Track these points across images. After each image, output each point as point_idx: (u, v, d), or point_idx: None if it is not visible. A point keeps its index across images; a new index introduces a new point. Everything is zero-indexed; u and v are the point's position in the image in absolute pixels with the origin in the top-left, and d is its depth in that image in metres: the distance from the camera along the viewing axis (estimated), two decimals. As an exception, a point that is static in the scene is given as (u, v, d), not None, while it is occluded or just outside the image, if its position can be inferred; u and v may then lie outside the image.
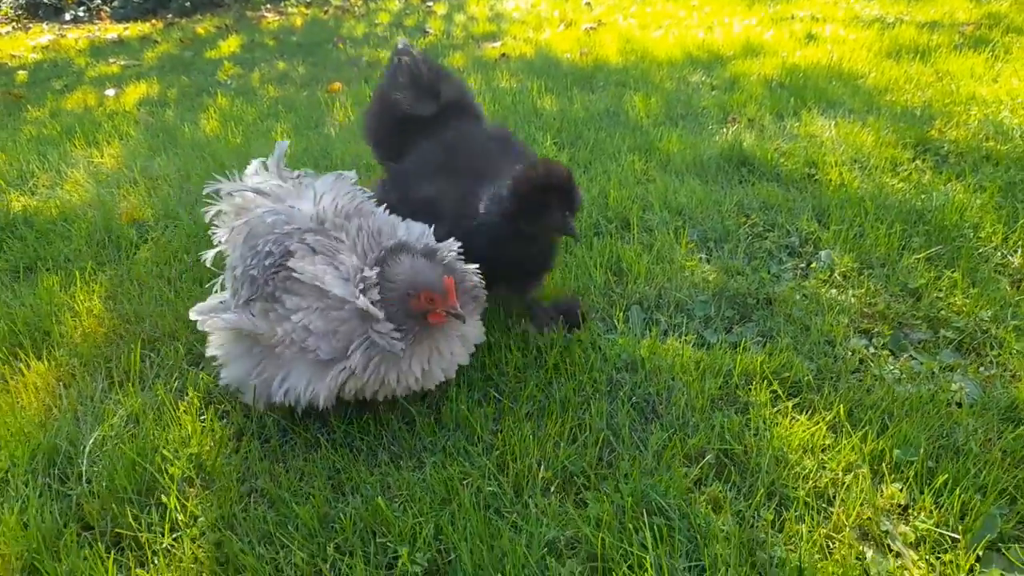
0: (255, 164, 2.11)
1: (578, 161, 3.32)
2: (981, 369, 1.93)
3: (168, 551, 1.57)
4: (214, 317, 1.82)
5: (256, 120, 4.56)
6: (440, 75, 2.30)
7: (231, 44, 7.49)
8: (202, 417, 1.93)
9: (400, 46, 2.35)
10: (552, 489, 1.66)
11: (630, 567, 1.45)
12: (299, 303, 1.69)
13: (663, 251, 2.53)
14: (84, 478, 1.78)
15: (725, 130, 3.62)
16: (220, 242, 2.02)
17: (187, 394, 2.01)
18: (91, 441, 1.88)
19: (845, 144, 3.31)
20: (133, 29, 9.28)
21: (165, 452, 1.80)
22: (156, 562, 1.55)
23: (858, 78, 4.25)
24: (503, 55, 5.54)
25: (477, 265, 1.81)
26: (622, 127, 3.73)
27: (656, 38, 5.72)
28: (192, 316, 1.91)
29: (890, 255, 2.40)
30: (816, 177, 3.02)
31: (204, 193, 2.04)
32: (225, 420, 1.94)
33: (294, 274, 1.70)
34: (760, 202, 2.83)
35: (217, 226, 2.05)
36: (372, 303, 1.63)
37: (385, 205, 1.96)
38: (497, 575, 1.46)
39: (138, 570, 1.54)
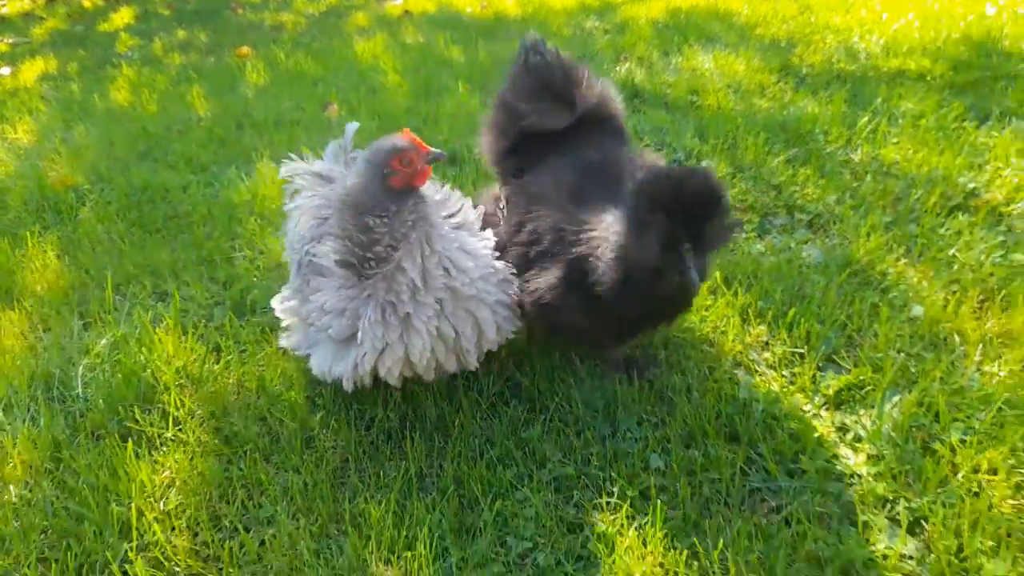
0: (332, 146, 2.09)
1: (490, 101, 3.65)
2: (826, 240, 2.41)
3: (175, 439, 1.85)
4: (278, 300, 1.92)
5: (168, 87, 4.63)
6: (577, 78, 1.92)
7: (124, 16, 7.33)
8: (182, 338, 2.19)
9: (529, 41, 1.93)
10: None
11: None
12: (319, 284, 1.71)
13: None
14: (82, 396, 2.02)
15: (619, 68, 4.01)
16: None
17: (163, 321, 2.26)
18: (83, 365, 2.11)
19: (722, 73, 3.76)
20: (12, 6, 8.85)
21: (157, 364, 2.06)
22: (165, 448, 1.83)
23: (733, 16, 4.72)
24: (406, 11, 5.74)
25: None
26: (526, 71, 4.07)
27: (552, -12, 6.06)
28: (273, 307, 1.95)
29: (757, 159, 2.86)
30: (697, 103, 3.46)
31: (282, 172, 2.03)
32: (203, 340, 2.20)
33: (314, 258, 1.73)
34: (651, 126, 3.24)
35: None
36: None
37: (497, 229, 1.77)
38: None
39: (152, 452, 1.82)
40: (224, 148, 3.51)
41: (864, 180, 2.66)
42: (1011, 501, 1.50)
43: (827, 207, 2.56)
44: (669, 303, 1.63)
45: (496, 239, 1.76)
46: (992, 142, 2.78)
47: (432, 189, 1.72)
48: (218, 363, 2.09)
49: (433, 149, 1.57)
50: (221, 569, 1.53)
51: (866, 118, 3.01)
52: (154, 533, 1.59)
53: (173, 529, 1.62)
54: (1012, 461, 1.57)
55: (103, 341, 2.21)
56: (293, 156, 2.05)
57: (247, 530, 1.60)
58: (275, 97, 4.12)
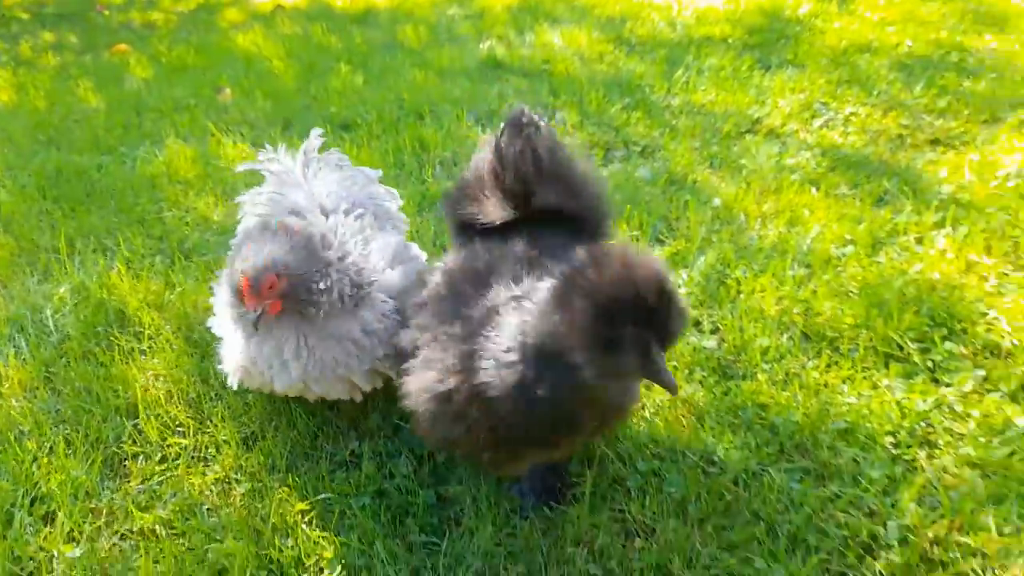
0: (304, 147, 2.11)
1: (370, 78, 4.14)
2: (653, 163, 3.11)
3: (150, 348, 2.26)
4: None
5: (51, 85, 4.76)
6: (553, 170, 1.62)
7: (-26, 21, 7.12)
8: (135, 279, 2.56)
9: (524, 118, 1.61)
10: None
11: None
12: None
13: (451, 129, 3.46)
14: (56, 330, 2.37)
15: (481, 46, 4.61)
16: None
17: (116, 267, 2.62)
18: (49, 308, 2.45)
19: (568, 45, 4.44)
20: None
21: (121, 296, 2.44)
22: (144, 356, 2.24)
23: (575, -1, 5.44)
24: (278, 6, 6.07)
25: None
26: (402, 52, 4.59)
27: (413, -19, 6.57)
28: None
29: (599, 109, 3.54)
30: (549, 69, 4.12)
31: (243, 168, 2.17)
32: (157, 278, 2.59)
33: None
34: (513, 89, 3.86)
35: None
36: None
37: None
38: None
39: (132, 362, 2.22)
40: (128, 132, 3.80)
41: (680, 118, 3.40)
42: (775, 307, 2.22)
43: (653, 140, 3.27)
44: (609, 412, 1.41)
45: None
46: (772, 84, 3.61)
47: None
48: (173, 293, 2.50)
49: (250, 309, 1.53)
50: (215, 424, 1.98)
51: (680, 72, 3.77)
52: (155, 407, 2.02)
53: (171, 398, 2.06)
54: (775, 283, 2.30)
55: (63, 288, 2.54)
56: (268, 146, 2.14)
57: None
58: (166, 86, 4.40)
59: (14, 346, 2.31)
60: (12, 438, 1.97)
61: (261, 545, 1.66)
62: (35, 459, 1.91)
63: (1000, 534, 1.55)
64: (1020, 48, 3.76)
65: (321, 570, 1.61)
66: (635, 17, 4.82)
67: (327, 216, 1.88)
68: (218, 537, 1.69)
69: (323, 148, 2.19)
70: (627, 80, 3.80)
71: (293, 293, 1.57)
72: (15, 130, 3.95)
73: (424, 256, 2.06)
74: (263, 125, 3.72)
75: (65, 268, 2.65)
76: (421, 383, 1.41)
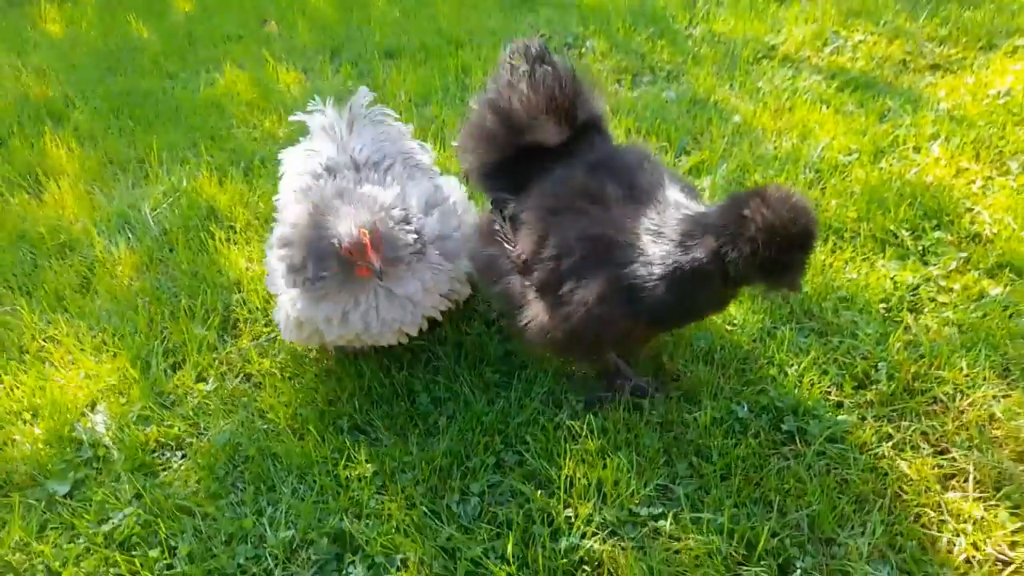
0: (352, 102, 2.16)
1: (407, 10, 4.38)
2: (679, 86, 3.40)
3: (244, 238, 2.60)
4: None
5: (100, 17, 5.00)
6: (581, 89, 1.81)
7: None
8: (222, 181, 2.89)
9: (536, 48, 1.77)
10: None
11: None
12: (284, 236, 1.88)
13: (490, 56, 3.73)
14: (156, 226, 2.71)
15: (510, -19, 4.83)
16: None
17: (201, 173, 2.95)
18: (147, 207, 2.78)
19: (593, -20, 4.66)
20: None
21: (212, 195, 2.77)
22: (236, 244, 2.58)
23: (597, -64, 5.61)
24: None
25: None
26: (433, -14, 4.82)
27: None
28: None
29: (627, 37, 3.80)
30: (575, 2, 4.35)
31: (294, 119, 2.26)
32: (238, 183, 2.91)
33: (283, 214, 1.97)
34: (543, 19, 4.11)
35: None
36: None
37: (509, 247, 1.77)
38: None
39: (231, 243, 2.56)
40: (185, 60, 4.07)
41: (701, 45, 3.67)
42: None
43: (677, 65, 3.55)
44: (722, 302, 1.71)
45: (516, 259, 1.76)
46: (787, 15, 3.86)
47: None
48: (255, 195, 2.82)
49: (375, 263, 1.65)
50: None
51: (702, 3, 4.02)
52: (256, 282, 2.37)
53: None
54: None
55: (157, 190, 2.87)
56: (316, 98, 2.23)
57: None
58: (211, 18, 4.65)
59: (123, 237, 2.65)
60: (137, 306, 2.32)
61: (362, 382, 2.02)
62: (151, 321, 2.27)
63: (969, 370, 1.90)
64: (1021, -19, 3.99)
65: (413, 400, 1.98)
66: (656, -46, 5.02)
67: (358, 169, 1.99)
68: (326, 378, 2.05)
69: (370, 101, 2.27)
70: (651, 11, 4.05)
71: (382, 246, 1.69)
72: (76, 58, 4.23)
73: (462, 190, 2.18)
74: (311, 53, 3.99)
75: (156, 174, 2.98)
76: (591, 293, 1.60)
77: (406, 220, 1.80)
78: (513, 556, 1.60)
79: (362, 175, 1.96)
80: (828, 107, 3.04)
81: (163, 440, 1.95)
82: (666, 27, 3.86)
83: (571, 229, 1.65)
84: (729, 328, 2.10)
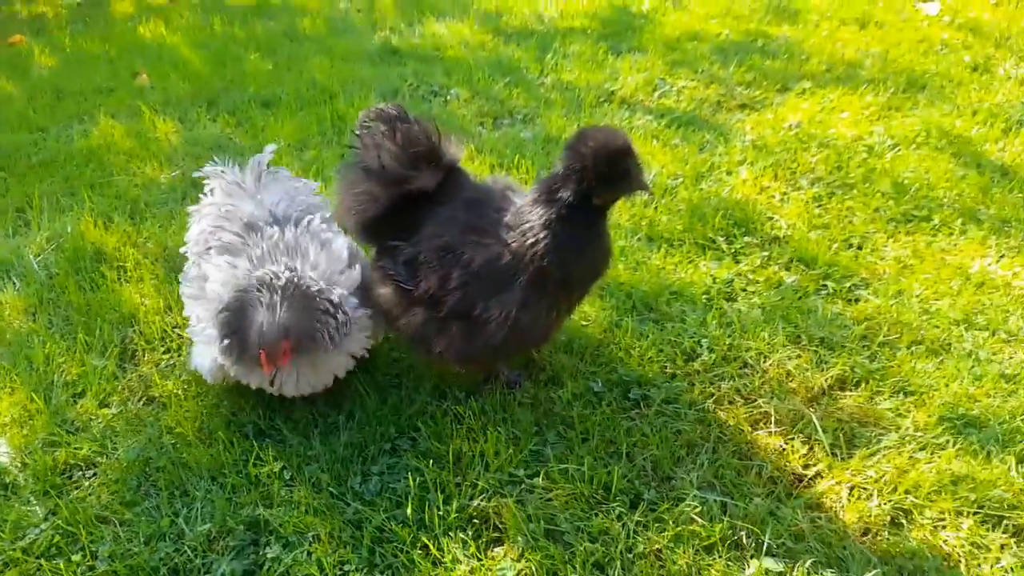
0: (252, 161, 2.28)
1: (280, 64, 4.64)
2: (534, 127, 3.85)
3: (135, 276, 2.73)
4: (183, 281, 2.18)
5: (-49, 74, 4.88)
6: (439, 137, 2.03)
7: None
8: (105, 230, 2.99)
9: (395, 110, 2.02)
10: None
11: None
12: (198, 292, 2.03)
13: (362, 104, 4.05)
14: (41, 271, 2.78)
15: (375, 36, 5.19)
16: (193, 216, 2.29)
17: (84, 218, 3.04)
18: (31, 252, 2.85)
19: (454, 35, 5.11)
20: None
21: (95, 241, 2.88)
22: (129, 281, 2.71)
23: (455, -5, 6.11)
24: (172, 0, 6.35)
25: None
26: (304, 41, 5.09)
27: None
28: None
29: (486, 86, 4.25)
30: (440, 55, 4.78)
31: (198, 175, 2.33)
32: (128, 219, 3.02)
33: (201, 269, 2.04)
34: (411, 72, 4.49)
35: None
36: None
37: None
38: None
39: (123, 281, 2.68)
40: (55, 113, 4.10)
41: (552, 92, 4.17)
42: (628, 220, 3.00)
43: (532, 109, 4.02)
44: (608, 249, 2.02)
45: (421, 296, 1.94)
46: (622, 65, 4.46)
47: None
48: (142, 237, 2.96)
49: (268, 376, 1.86)
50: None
51: (550, 56, 4.56)
52: (151, 315, 2.52)
53: (169, 309, 2.56)
54: (628, 204, 3.08)
55: (39, 237, 2.94)
56: (216, 159, 2.32)
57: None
58: (77, 74, 4.68)
59: (8, 283, 2.71)
60: (33, 344, 2.41)
61: (264, 393, 2.23)
62: (48, 357, 2.37)
63: (769, 340, 2.38)
64: (805, 37, 4.82)
65: (313, 404, 2.21)
66: (509, 12, 5.56)
67: (279, 224, 2.06)
68: (230, 392, 2.24)
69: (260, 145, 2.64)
70: (507, 63, 4.53)
71: (303, 349, 1.85)
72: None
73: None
74: (187, 104, 4.15)
75: (36, 222, 3.04)
76: (511, 300, 1.89)
77: (335, 307, 1.89)
78: (412, 519, 1.86)
79: (283, 230, 2.03)
80: (658, 141, 3.58)
81: (72, 462, 2.06)
82: (520, 77, 4.35)
83: (470, 259, 1.90)
84: (584, 323, 2.49)
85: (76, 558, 1.79)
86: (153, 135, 3.77)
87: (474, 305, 1.91)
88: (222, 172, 2.25)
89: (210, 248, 2.06)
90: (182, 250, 2.27)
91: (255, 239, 2.01)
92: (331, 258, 2.01)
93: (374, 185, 2.02)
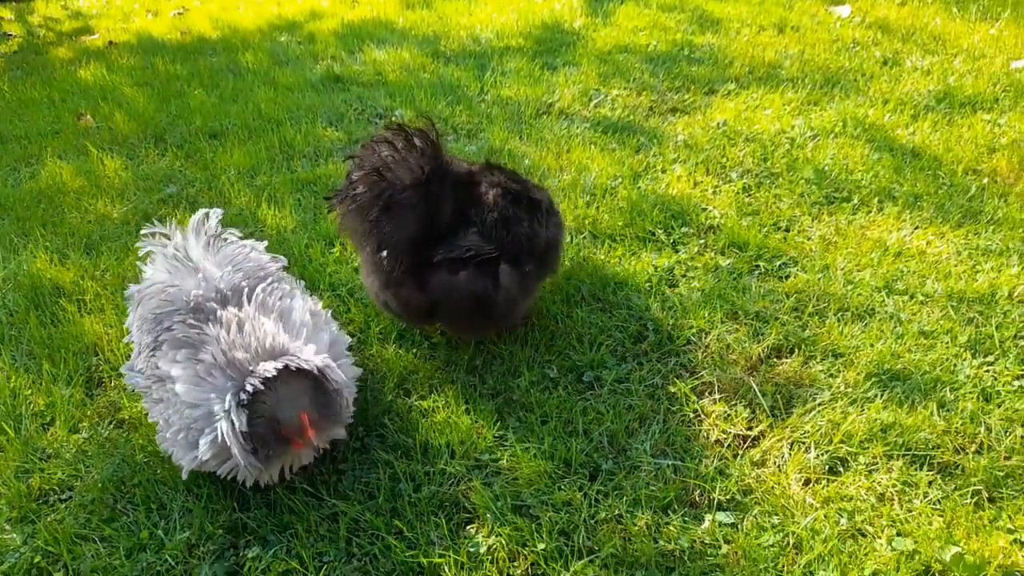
0: (193, 223, 2.13)
1: (225, 97, 4.71)
2: (479, 141, 4.00)
3: (95, 307, 2.77)
4: (131, 376, 2.03)
5: None
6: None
7: None
8: (60, 259, 3.02)
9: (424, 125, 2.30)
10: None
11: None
12: (161, 394, 1.86)
13: (308, 130, 4.15)
14: (2, 309, 2.81)
15: (318, 66, 5.31)
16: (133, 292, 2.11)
17: (38, 256, 3.06)
18: (-12, 292, 2.87)
19: (394, 61, 5.26)
20: None
21: (52, 277, 2.91)
22: (91, 312, 2.75)
23: (393, 24, 6.27)
24: (110, 42, 6.37)
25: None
26: (247, 74, 5.18)
27: (240, 13, 7.09)
28: (122, 370, 2.09)
29: (429, 105, 4.39)
30: (383, 79, 4.92)
31: (142, 236, 2.16)
32: (85, 254, 3.06)
33: (158, 368, 1.85)
34: (355, 96, 4.62)
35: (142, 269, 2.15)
36: (238, 428, 1.70)
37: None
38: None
39: (83, 313, 2.73)
40: (-1, 158, 4.11)
41: (493, 108, 4.34)
42: (572, 220, 3.16)
43: (475, 125, 4.18)
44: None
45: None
46: (558, 79, 4.66)
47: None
48: (99, 271, 3.00)
49: (314, 441, 1.82)
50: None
51: (489, 74, 4.74)
52: (115, 344, 2.57)
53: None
54: (572, 206, 3.24)
55: (-6, 277, 2.96)
56: (155, 223, 2.16)
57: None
58: (19, 119, 4.68)
59: (-33, 322, 2.73)
60: (-3, 378, 2.44)
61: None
62: (16, 392, 2.40)
63: (709, 317, 2.55)
64: (727, 43, 5.11)
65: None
66: (446, 36, 5.75)
67: (227, 302, 1.91)
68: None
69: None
70: (448, 83, 4.69)
71: (321, 425, 1.84)
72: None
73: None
74: (135, 141, 4.19)
75: (-9, 262, 3.06)
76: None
77: (330, 379, 1.83)
78: (385, 509, 1.96)
79: (238, 306, 1.90)
80: (596, 146, 3.77)
81: (47, 487, 2.10)
82: (462, 95, 4.51)
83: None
84: (539, 316, 2.63)
85: (59, 575, 1.84)
86: (102, 172, 3.81)
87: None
88: (162, 243, 2.10)
89: (161, 340, 1.88)
90: (125, 339, 2.17)
91: (209, 326, 1.84)
92: (297, 327, 1.92)
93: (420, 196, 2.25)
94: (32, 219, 3.41)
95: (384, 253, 2.25)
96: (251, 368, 1.75)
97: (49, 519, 2.00)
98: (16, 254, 3.16)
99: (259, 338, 1.79)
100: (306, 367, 1.76)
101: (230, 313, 1.85)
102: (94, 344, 2.58)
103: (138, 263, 2.21)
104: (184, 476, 1.94)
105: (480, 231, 2.27)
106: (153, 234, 2.13)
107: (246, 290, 1.95)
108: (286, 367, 1.75)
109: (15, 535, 1.96)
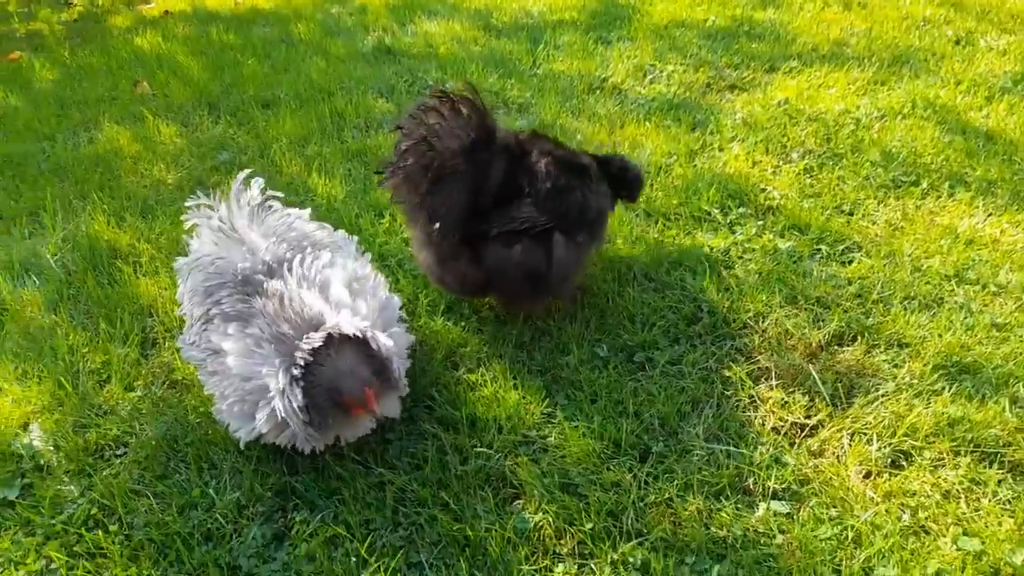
0: (234, 194, 2.12)
1: (277, 66, 4.73)
2: (530, 115, 3.93)
3: (152, 270, 2.81)
4: (187, 348, 2.02)
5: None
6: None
7: None
8: (120, 223, 3.08)
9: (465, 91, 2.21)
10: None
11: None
12: (215, 367, 1.86)
13: (358, 101, 4.14)
14: (60, 268, 2.87)
15: (369, 37, 5.28)
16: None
17: (97, 219, 3.12)
18: (47, 251, 2.93)
19: (446, 33, 5.21)
20: None
21: (110, 239, 2.96)
22: (146, 275, 2.79)
23: (445, -4, 6.20)
24: (166, 12, 6.44)
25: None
26: (299, 44, 5.18)
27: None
28: (178, 343, 2.11)
29: (480, 78, 4.34)
30: (434, 52, 4.87)
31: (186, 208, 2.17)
32: (140, 216, 3.11)
33: (211, 342, 1.86)
34: (406, 69, 4.58)
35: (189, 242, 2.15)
36: (295, 404, 1.69)
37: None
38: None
39: (139, 275, 2.77)
40: (59, 122, 4.18)
41: (545, 82, 4.26)
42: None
43: (526, 99, 4.11)
44: None
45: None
46: (612, 54, 4.55)
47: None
48: (154, 233, 3.04)
49: (377, 412, 1.79)
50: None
51: (541, 48, 4.65)
52: (169, 305, 2.60)
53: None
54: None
55: (56, 237, 3.02)
56: (199, 194, 2.15)
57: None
58: (79, 86, 4.77)
59: (29, 281, 2.79)
60: (56, 336, 2.49)
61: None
62: (74, 349, 2.44)
63: (767, 302, 2.47)
64: (790, 19, 4.92)
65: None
66: (498, 8, 5.66)
67: (272, 274, 1.90)
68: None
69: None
70: (499, 56, 4.62)
71: (381, 393, 1.82)
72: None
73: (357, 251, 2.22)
74: (189, 108, 4.23)
75: (51, 224, 3.12)
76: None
77: (381, 347, 1.80)
78: (432, 480, 1.95)
79: (284, 278, 1.88)
80: (650, 123, 3.67)
81: (103, 442, 2.14)
82: (513, 69, 4.44)
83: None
84: (589, 294, 2.57)
85: (114, 528, 1.87)
86: (158, 139, 3.86)
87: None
88: (208, 214, 2.09)
89: (212, 314, 1.89)
90: (178, 311, 2.21)
91: (258, 297, 1.85)
92: (336, 297, 1.89)
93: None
94: (90, 182, 3.47)
95: (436, 226, 2.21)
96: (296, 341, 1.73)
97: (104, 473, 2.03)
98: (75, 216, 3.22)
99: (298, 311, 1.78)
100: (348, 333, 1.74)
101: (274, 285, 1.84)
102: (149, 306, 2.62)
103: (184, 236, 2.21)
104: (242, 446, 1.95)
105: (534, 202, 2.22)
106: (198, 206, 2.12)
107: (289, 261, 1.94)
108: (330, 336, 1.73)
109: (72, 487, 2.00)
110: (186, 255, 2.11)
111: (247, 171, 2.18)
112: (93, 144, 3.86)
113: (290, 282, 1.87)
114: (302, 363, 1.71)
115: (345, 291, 1.90)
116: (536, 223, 2.20)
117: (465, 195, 2.20)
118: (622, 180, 2.50)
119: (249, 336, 1.78)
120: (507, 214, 2.22)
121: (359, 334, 1.75)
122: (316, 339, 1.72)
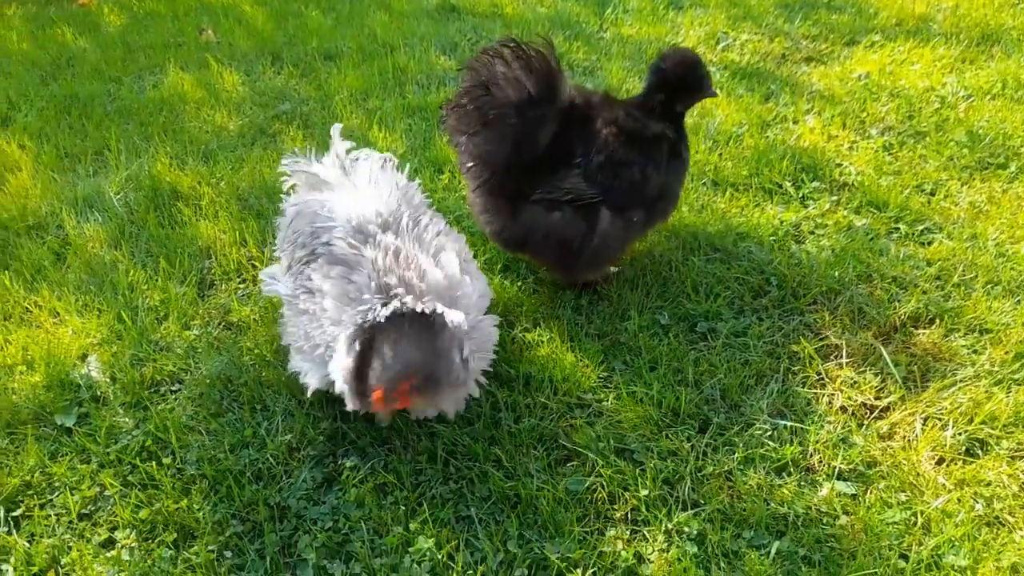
0: (336, 139, 2.11)
1: (341, 19, 4.69)
2: (596, 79, 3.83)
3: (211, 213, 2.82)
4: (270, 282, 2.03)
5: (30, 31, 5.05)
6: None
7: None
8: (179, 171, 3.09)
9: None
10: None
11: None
12: (308, 306, 1.80)
13: (422, 58, 4.08)
14: (121, 206, 2.90)
15: (435, -5, 5.21)
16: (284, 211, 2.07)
17: (159, 160, 3.14)
18: (111, 190, 2.96)
19: (511, -7, 5.10)
20: None
21: (171, 180, 2.98)
22: (206, 218, 2.80)
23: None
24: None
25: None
26: (362, -1, 5.15)
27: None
28: (260, 276, 2.13)
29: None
30: (499, 11, 4.77)
31: (282, 165, 2.16)
32: (203, 161, 3.12)
33: (311, 280, 1.80)
34: (470, 27, 4.50)
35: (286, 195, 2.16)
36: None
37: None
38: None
39: (199, 218, 2.78)
40: (125, 66, 4.23)
41: (612, 46, 4.14)
42: (693, 167, 2.98)
43: (592, 62, 3.99)
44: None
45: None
46: (683, 20, 4.39)
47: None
48: (215, 178, 3.05)
49: (381, 415, 1.80)
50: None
51: (609, 11, 4.52)
52: (227, 248, 2.60)
53: (244, 243, 2.64)
54: (693, 150, 3.05)
55: (120, 176, 3.06)
56: (296, 151, 2.16)
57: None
58: (145, 31, 4.81)
59: (92, 217, 2.82)
60: (117, 271, 2.52)
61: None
62: (133, 286, 2.47)
63: (840, 279, 2.36)
64: (875, -9, 4.69)
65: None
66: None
67: (387, 228, 1.83)
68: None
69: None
70: (566, 18, 4.50)
71: (423, 389, 1.65)
72: (8, 68, 4.31)
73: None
74: (252, 57, 4.23)
75: (115, 163, 3.16)
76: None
77: (460, 341, 1.66)
78: (484, 436, 1.91)
79: (397, 236, 1.82)
80: (722, 91, 3.53)
81: (159, 377, 2.16)
82: (580, 31, 4.32)
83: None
84: (649, 260, 2.49)
85: (167, 461, 1.88)
86: (221, 86, 3.86)
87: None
88: (312, 163, 2.08)
89: (318, 253, 1.83)
90: (275, 253, 2.14)
91: (367, 248, 1.77)
92: (448, 273, 1.78)
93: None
94: (154, 125, 3.50)
95: (469, 165, 2.17)
96: (396, 300, 1.64)
97: (160, 407, 2.05)
98: (139, 156, 3.24)
99: (404, 275, 1.69)
100: (447, 322, 1.61)
101: (388, 239, 1.78)
102: (208, 247, 2.63)
103: (283, 178, 2.20)
104: (308, 395, 1.92)
105: (583, 173, 2.14)
106: (295, 161, 2.11)
107: (404, 220, 1.86)
108: (415, 313, 1.62)
109: (128, 419, 2.02)
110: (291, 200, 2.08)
111: (339, 126, 2.13)
112: (158, 88, 3.89)
113: (406, 239, 1.81)
114: (367, 327, 1.63)
115: (457, 262, 1.82)
116: (583, 195, 2.12)
117: (508, 148, 2.13)
118: (681, 84, 2.21)
119: (352, 283, 1.71)
120: (553, 181, 2.14)
121: (453, 324, 1.61)
122: (386, 312, 1.61)
